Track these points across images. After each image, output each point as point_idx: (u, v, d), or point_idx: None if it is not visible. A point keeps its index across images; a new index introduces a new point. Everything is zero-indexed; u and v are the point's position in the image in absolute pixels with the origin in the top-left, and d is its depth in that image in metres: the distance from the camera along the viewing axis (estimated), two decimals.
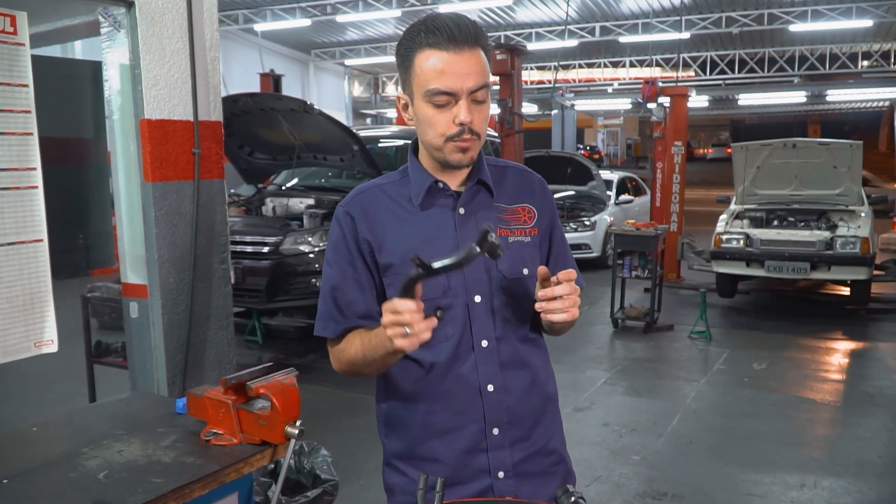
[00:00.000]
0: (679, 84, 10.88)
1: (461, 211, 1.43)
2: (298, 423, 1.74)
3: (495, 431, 1.41)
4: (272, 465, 2.38)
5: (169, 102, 2.78)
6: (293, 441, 1.72)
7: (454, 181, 1.45)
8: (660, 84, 9.74)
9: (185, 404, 1.95)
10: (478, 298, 1.41)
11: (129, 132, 2.77)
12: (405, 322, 1.19)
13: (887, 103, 20.60)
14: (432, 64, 1.31)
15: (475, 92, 1.33)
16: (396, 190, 1.47)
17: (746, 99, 20.29)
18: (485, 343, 1.41)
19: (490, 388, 1.41)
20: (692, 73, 18.50)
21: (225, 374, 3.06)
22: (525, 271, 1.45)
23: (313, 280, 5.62)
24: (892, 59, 16.34)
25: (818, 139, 8.09)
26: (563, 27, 13.93)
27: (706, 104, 21.33)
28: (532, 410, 1.46)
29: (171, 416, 2.01)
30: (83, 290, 4.25)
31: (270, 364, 1.84)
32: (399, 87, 1.45)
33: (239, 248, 5.63)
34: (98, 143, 3.14)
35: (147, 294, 2.82)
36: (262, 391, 1.72)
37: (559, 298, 1.27)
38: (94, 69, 3.07)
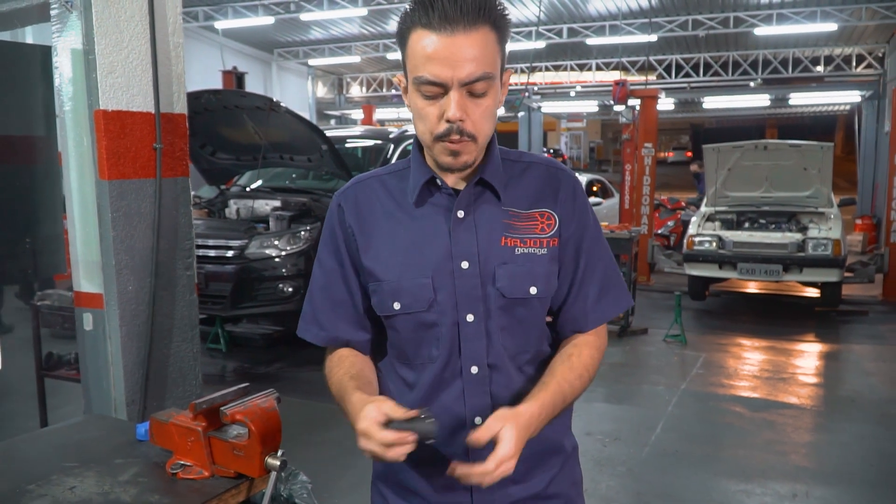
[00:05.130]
0: (649, 86, 10.86)
1: (459, 214, 1.22)
2: (280, 452, 1.52)
3: None
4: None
5: (127, 92, 2.51)
6: (274, 474, 1.51)
7: (457, 178, 1.25)
8: (629, 87, 9.70)
9: (147, 430, 1.72)
10: (470, 317, 1.21)
11: (83, 125, 2.50)
12: (376, 453, 1.08)
13: (847, 107, 21.03)
14: (422, 47, 1.12)
15: (471, 84, 1.12)
16: (396, 183, 1.28)
17: (711, 102, 20.48)
18: (475, 370, 1.22)
19: (478, 420, 1.21)
20: (655, 77, 18.62)
21: (190, 391, 2.82)
22: (532, 290, 1.23)
23: (280, 285, 5.39)
24: (854, 64, 16.65)
25: (789, 141, 8.11)
26: (532, 28, 13.86)
27: (672, 107, 21.50)
28: (530, 454, 1.20)
29: (130, 444, 1.77)
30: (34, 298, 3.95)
31: (247, 385, 1.62)
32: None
33: (201, 252, 5.38)
34: (48, 138, 2.85)
35: (103, 304, 2.55)
36: (239, 417, 1.50)
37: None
38: (44, 54, 2.79)
